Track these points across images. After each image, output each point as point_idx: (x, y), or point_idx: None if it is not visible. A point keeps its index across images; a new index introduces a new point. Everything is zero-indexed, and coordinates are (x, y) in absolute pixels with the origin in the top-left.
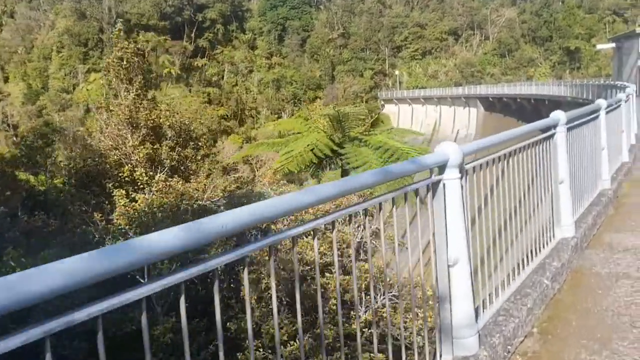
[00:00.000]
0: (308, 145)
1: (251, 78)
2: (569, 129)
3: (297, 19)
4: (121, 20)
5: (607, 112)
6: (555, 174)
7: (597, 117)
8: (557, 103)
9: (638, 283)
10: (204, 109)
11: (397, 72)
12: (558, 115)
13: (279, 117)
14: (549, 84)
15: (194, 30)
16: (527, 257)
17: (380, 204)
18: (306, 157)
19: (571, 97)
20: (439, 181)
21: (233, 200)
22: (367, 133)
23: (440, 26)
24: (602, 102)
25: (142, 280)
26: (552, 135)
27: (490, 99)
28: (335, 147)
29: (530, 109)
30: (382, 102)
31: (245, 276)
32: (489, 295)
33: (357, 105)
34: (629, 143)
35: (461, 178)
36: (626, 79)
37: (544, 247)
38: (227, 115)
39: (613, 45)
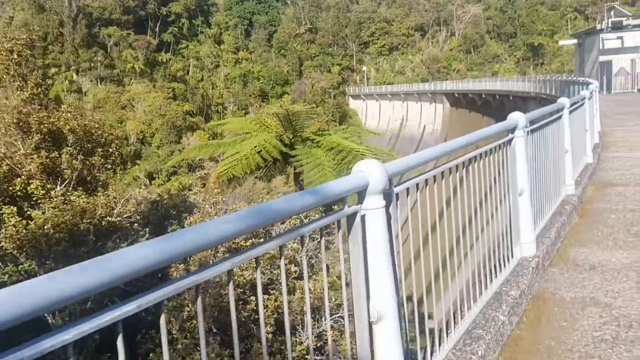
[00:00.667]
0: (255, 147)
1: (217, 73)
2: (529, 133)
3: (263, 13)
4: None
5: (571, 112)
6: (514, 185)
7: (560, 117)
8: (521, 99)
9: (607, 312)
10: (168, 105)
11: (364, 68)
12: (516, 117)
13: (246, 113)
14: (513, 79)
15: (158, 25)
16: (479, 287)
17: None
18: (252, 160)
19: (535, 92)
20: (354, 214)
21: (159, 213)
22: (320, 133)
23: (406, 22)
24: (565, 101)
25: None
26: (509, 141)
27: (456, 95)
28: (284, 149)
29: (496, 105)
30: (350, 98)
31: (162, 323)
32: (430, 344)
33: (326, 102)
34: (592, 142)
35: (387, 206)
36: (588, 74)
37: (500, 271)
38: (193, 111)
39: (575, 41)
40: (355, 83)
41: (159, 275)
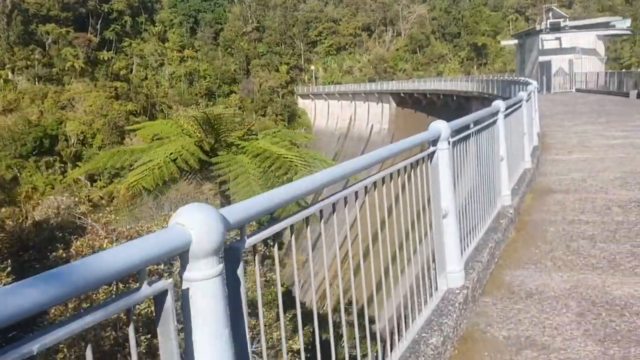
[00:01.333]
0: (170, 155)
1: (162, 72)
2: (456, 143)
3: (209, 11)
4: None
5: (507, 115)
6: (437, 205)
7: (494, 122)
8: (465, 98)
9: (544, 356)
10: (110, 104)
11: (312, 68)
12: (438, 127)
13: None
14: (457, 79)
15: (100, 22)
16: (392, 336)
17: None
18: (166, 170)
19: (477, 92)
20: (163, 292)
21: (43, 235)
22: (246, 138)
23: (353, 22)
24: (499, 105)
25: None
26: (431, 155)
27: (402, 95)
28: (204, 157)
29: (440, 104)
30: (299, 97)
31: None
32: None
33: (275, 101)
34: (531, 145)
35: (233, 268)
36: (528, 74)
37: (420, 310)
38: (137, 111)
39: (516, 41)
40: (303, 82)
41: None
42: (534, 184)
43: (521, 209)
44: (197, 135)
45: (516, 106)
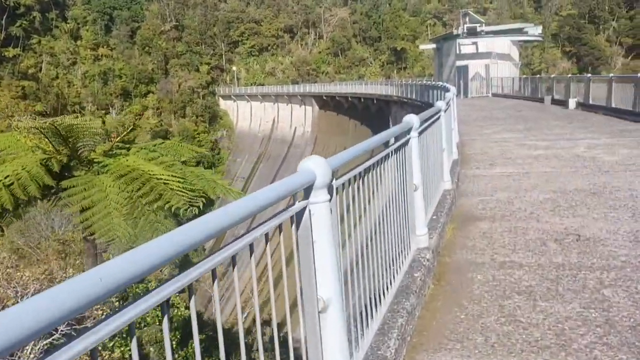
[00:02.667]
0: (7, 179)
1: (74, 71)
2: (344, 186)
3: (125, 8)
4: None
5: (422, 132)
6: (310, 289)
7: (406, 143)
8: (385, 102)
9: None
10: (16, 105)
11: (234, 68)
12: (309, 168)
13: (107, 113)
14: (378, 83)
15: (5, 17)
16: None
17: None
18: None
19: (397, 96)
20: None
21: None
22: (114, 153)
23: (275, 23)
24: (412, 121)
25: None
26: (301, 212)
27: (324, 98)
28: (49, 181)
29: (361, 107)
30: (221, 98)
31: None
32: None
33: (195, 102)
34: (450, 160)
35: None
36: (446, 78)
37: None
38: (46, 112)
39: (434, 46)
40: (225, 83)
41: None
42: (455, 209)
43: (441, 245)
44: (50, 151)
45: (433, 119)
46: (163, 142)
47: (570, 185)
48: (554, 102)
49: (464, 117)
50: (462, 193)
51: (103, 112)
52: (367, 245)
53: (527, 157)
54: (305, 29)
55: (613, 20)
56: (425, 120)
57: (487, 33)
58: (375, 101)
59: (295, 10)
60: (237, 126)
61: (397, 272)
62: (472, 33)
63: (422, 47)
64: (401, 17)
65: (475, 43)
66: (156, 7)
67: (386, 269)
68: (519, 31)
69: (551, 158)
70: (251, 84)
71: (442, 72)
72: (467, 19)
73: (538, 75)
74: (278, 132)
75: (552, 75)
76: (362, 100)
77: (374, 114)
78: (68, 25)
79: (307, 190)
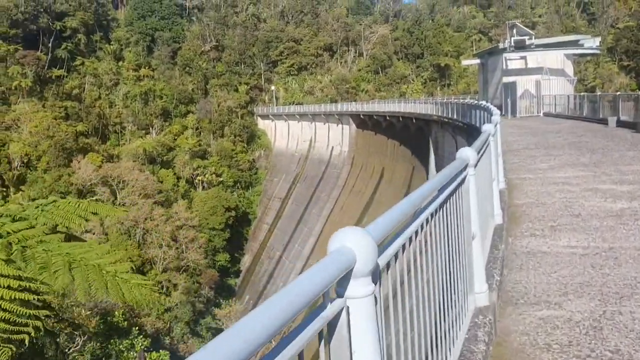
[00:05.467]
0: None
1: (117, 91)
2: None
3: (167, 29)
4: None
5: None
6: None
7: (462, 182)
8: (425, 122)
9: None
10: (58, 125)
11: (273, 88)
12: (347, 248)
13: (147, 133)
14: (418, 101)
15: (52, 40)
16: None
17: None
18: None
19: (437, 115)
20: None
21: None
22: None
23: (315, 42)
24: (468, 156)
25: None
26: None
27: (362, 117)
28: None
29: (400, 127)
30: (259, 118)
31: None
32: None
33: (234, 121)
34: (498, 188)
35: None
36: (492, 96)
37: None
38: (88, 132)
39: (478, 61)
40: (264, 103)
41: None
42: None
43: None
44: None
45: (484, 147)
46: (55, 201)
47: None
48: (620, 124)
49: (511, 143)
50: (508, 299)
51: (143, 132)
52: (411, 320)
53: (605, 214)
54: (345, 47)
55: None
56: (480, 150)
57: (538, 46)
58: (414, 120)
59: (334, 29)
60: (275, 146)
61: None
62: (520, 46)
63: (465, 62)
64: (445, 32)
65: (524, 57)
66: (197, 28)
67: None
68: (574, 43)
69: None
70: (290, 103)
71: (487, 89)
72: (514, 31)
73: (599, 92)
74: (315, 152)
75: (618, 93)
76: (401, 119)
77: (413, 133)
78: (111, 46)
79: (342, 282)
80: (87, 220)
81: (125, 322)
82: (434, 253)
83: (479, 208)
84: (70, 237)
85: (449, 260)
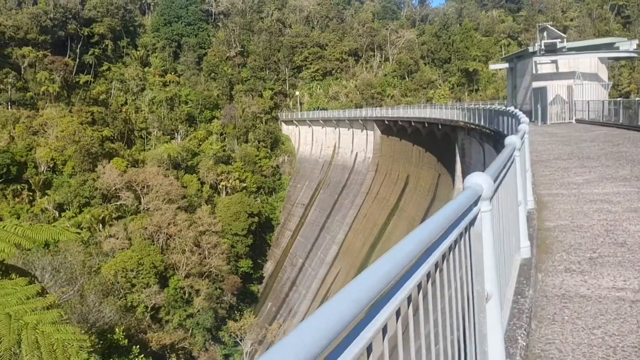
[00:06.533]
0: None
1: (143, 96)
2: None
3: (193, 35)
4: None
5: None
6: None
7: (470, 224)
8: (451, 127)
9: None
10: (84, 130)
11: (297, 93)
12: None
13: (172, 138)
14: (444, 106)
15: (80, 46)
16: None
17: None
18: None
19: (464, 122)
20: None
21: None
22: None
23: (340, 47)
24: (479, 185)
25: None
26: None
27: (386, 122)
28: None
29: (425, 133)
30: (283, 123)
31: None
32: None
33: (258, 127)
34: (525, 213)
35: None
36: (521, 102)
37: None
38: (113, 137)
39: (506, 65)
40: (288, 108)
41: None
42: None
43: None
44: None
45: (508, 166)
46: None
47: None
48: None
49: (541, 153)
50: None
51: (168, 137)
52: None
53: None
54: (370, 52)
55: None
56: (499, 175)
57: (570, 49)
58: (440, 126)
59: (360, 33)
60: (299, 151)
61: None
62: (551, 50)
63: (492, 67)
64: (473, 37)
65: (554, 61)
66: (222, 34)
67: None
68: (609, 46)
69: None
70: (314, 109)
71: (516, 94)
72: (545, 34)
73: (637, 98)
74: (339, 158)
75: None
76: (427, 125)
77: (439, 140)
78: (138, 52)
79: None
80: (19, 247)
81: (126, 340)
82: (421, 331)
83: (496, 258)
84: (7, 268)
85: (451, 326)
